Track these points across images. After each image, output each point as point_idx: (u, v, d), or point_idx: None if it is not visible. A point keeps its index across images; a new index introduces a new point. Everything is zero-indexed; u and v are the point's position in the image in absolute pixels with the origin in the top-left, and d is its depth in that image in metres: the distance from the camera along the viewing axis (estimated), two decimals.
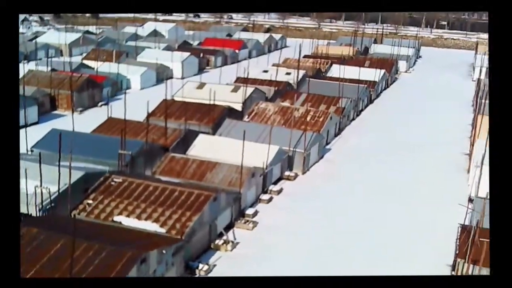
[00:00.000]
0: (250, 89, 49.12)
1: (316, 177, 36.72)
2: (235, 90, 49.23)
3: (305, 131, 38.23)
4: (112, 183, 26.82)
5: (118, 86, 59.07)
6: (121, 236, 22.18)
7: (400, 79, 77.41)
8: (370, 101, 59.92)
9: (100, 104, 52.53)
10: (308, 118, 42.66)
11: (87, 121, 44.17)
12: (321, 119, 42.54)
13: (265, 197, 31.91)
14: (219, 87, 50.38)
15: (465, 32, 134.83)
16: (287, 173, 35.91)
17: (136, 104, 43.49)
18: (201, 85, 50.81)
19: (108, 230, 22.86)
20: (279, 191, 33.35)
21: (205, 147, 34.52)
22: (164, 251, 21.02)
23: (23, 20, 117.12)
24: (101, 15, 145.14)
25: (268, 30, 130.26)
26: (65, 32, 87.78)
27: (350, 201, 32.80)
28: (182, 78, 69.30)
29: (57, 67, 59.32)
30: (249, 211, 29.58)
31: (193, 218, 24.30)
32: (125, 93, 41.53)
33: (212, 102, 44.08)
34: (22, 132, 42.16)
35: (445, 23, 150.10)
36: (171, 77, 68.84)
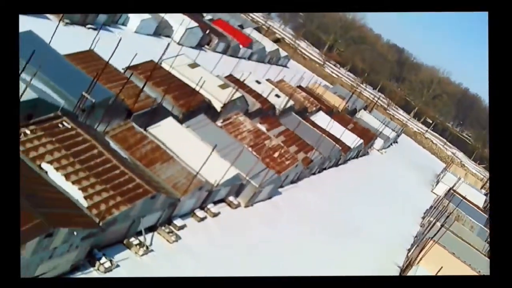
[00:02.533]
0: (237, 94, 46.81)
1: (255, 215, 34.86)
2: (223, 87, 46.81)
3: (268, 167, 36.41)
4: (60, 125, 23.97)
5: (114, 18, 55.62)
6: (40, 192, 19.45)
7: (370, 156, 76.99)
8: (336, 164, 58.79)
9: (88, 26, 49.02)
10: (276, 155, 40.80)
11: (67, 38, 40.84)
12: (287, 163, 40.72)
13: (199, 214, 29.69)
14: (210, 76, 47.79)
15: (444, 140, 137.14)
16: (231, 198, 33.84)
17: (122, 46, 40.72)
18: (193, 65, 48.12)
19: (30, 177, 20.05)
20: (216, 214, 31.21)
21: (168, 132, 31.98)
22: (75, 233, 18.47)
23: None
24: None
25: (277, 40, 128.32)
26: None
27: (279, 249, 31.18)
28: (179, 44, 66.44)
29: None
30: (178, 222, 27.30)
31: (121, 208, 21.80)
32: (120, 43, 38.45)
33: (196, 88, 41.64)
34: None
35: (431, 121, 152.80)
36: (169, 36, 66.08)
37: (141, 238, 24.16)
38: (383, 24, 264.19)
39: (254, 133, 41.67)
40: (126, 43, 47.38)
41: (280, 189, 41.18)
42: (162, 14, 64.75)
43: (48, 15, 44.14)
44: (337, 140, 58.02)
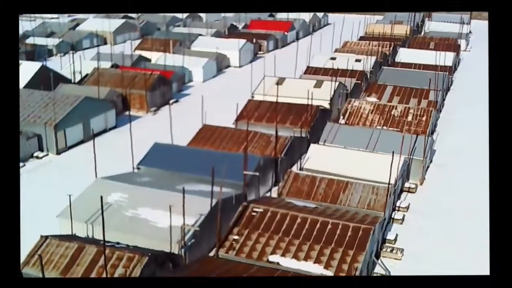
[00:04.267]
0: (330, 83, 46.05)
1: (436, 188, 33.93)
2: (318, 85, 46.20)
3: (416, 134, 35.49)
4: (253, 213, 24.39)
5: (184, 80, 56.40)
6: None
7: (464, 60, 73.73)
8: (448, 89, 56.71)
9: (171, 101, 49.92)
10: (410, 118, 39.79)
11: (165, 123, 41.77)
12: (424, 118, 39.60)
13: (397, 216, 29.36)
14: (300, 82, 47.49)
15: None
16: (407, 184, 33.28)
17: (208, 100, 41.17)
18: (280, 80, 47.83)
19: (269, 274, 20.45)
20: (407, 207, 30.77)
21: (320, 159, 31.87)
22: None
23: None
24: None
25: None
26: (105, 19, 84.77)
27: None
28: (240, 66, 66.64)
29: (106, 58, 56.49)
30: (390, 236, 27.10)
31: (359, 258, 21.86)
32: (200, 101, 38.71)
33: (298, 101, 41.37)
34: (104, 138, 40.06)
35: None
36: (229, 66, 66.32)
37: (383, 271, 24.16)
38: None
39: (377, 111, 40.83)
40: (207, 95, 48.27)
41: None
42: (210, 49, 65.07)
43: None
44: (435, 67, 55.91)
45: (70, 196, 23.58)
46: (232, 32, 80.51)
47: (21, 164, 34.52)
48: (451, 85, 58.66)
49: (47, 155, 36.74)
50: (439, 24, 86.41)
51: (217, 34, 77.53)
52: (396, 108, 40.72)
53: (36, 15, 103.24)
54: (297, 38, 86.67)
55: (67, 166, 35.37)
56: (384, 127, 38.62)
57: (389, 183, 26.85)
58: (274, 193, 31.03)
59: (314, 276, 21.09)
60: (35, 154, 36.30)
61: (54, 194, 27.62)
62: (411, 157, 33.88)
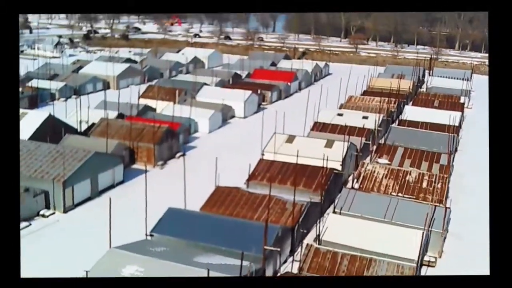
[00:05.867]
0: (342, 143, 45.60)
1: (456, 261, 32.93)
2: (329, 145, 45.71)
3: (434, 205, 34.83)
4: None
5: (190, 131, 55.78)
6: None
7: (467, 118, 73.86)
8: (456, 149, 56.44)
9: (178, 155, 49.13)
10: (425, 184, 39.18)
11: (173, 180, 41.04)
12: (439, 186, 38.99)
13: None
14: (310, 141, 46.98)
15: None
16: (425, 257, 32.33)
17: (214, 153, 40.38)
18: (290, 139, 47.33)
19: None
20: None
21: (339, 230, 30.97)
22: None
23: (56, 44, 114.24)
24: (130, 36, 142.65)
25: (303, 54, 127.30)
26: (109, 62, 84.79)
27: None
28: (245, 117, 66.33)
29: (112, 107, 55.84)
30: None
31: None
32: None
33: (309, 161, 40.80)
34: (111, 195, 38.89)
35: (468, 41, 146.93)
36: (234, 116, 66.01)
37: None
38: None
39: (391, 175, 40.23)
40: (213, 147, 47.40)
41: None
42: (215, 99, 64.76)
43: None
44: (443, 127, 55.85)
45: (87, 272, 22.45)
46: (236, 81, 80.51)
47: (26, 223, 33.32)
48: (458, 145, 58.47)
49: (53, 213, 35.54)
50: (441, 79, 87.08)
51: (221, 83, 77.51)
52: (410, 174, 40.15)
53: (39, 53, 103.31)
54: (300, 88, 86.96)
55: (75, 228, 34.14)
56: (400, 194, 37.92)
57: (417, 265, 25.96)
58: (289, 262, 30.01)
59: (315, 276, 20.88)
60: (41, 212, 35.08)
61: (63, 261, 26.45)
62: (430, 229, 33.08)
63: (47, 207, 35.76)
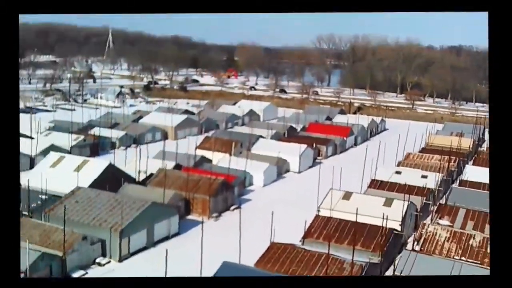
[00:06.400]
0: (405, 203, 44.25)
1: None
2: (388, 203, 44.48)
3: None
4: None
5: (244, 184, 55.75)
6: None
7: None
8: None
9: (232, 208, 48.97)
10: (489, 249, 37.12)
11: (227, 232, 40.77)
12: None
13: None
14: (368, 199, 45.88)
15: None
16: None
17: (269, 207, 39.71)
18: (347, 195, 46.41)
19: None
20: None
21: None
22: None
23: (118, 94, 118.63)
24: (188, 88, 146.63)
25: (359, 109, 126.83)
26: (168, 113, 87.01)
27: None
28: (299, 172, 65.85)
29: (170, 157, 56.66)
30: None
31: None
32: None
33: (367, 219, 39.66)
34: (167, 246, 38.84)
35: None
36: (288, 170, 65.65)
37: None
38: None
39: (454, 238, 38.46)
40: (269, 202, 46.93)
41: None
42: (270, 152, 64.72)
43: None
44: None
45: None
46: (292, 135, 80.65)
47: (82, 272, 33.59)
48: None
49: (109, 261, 35.74)
50: None
51: (277, 136, 77.77)
52: (474, 238, 38.28)
53: (101, 103, 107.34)
54: (355, 143, 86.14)
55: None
56: (463, 258, 36.11)
57: None
58: None
59: (315, 276, 20.20)
60: (97, 260, 35.35)
61: None
62: None
63: (103, 255, 36.02)
